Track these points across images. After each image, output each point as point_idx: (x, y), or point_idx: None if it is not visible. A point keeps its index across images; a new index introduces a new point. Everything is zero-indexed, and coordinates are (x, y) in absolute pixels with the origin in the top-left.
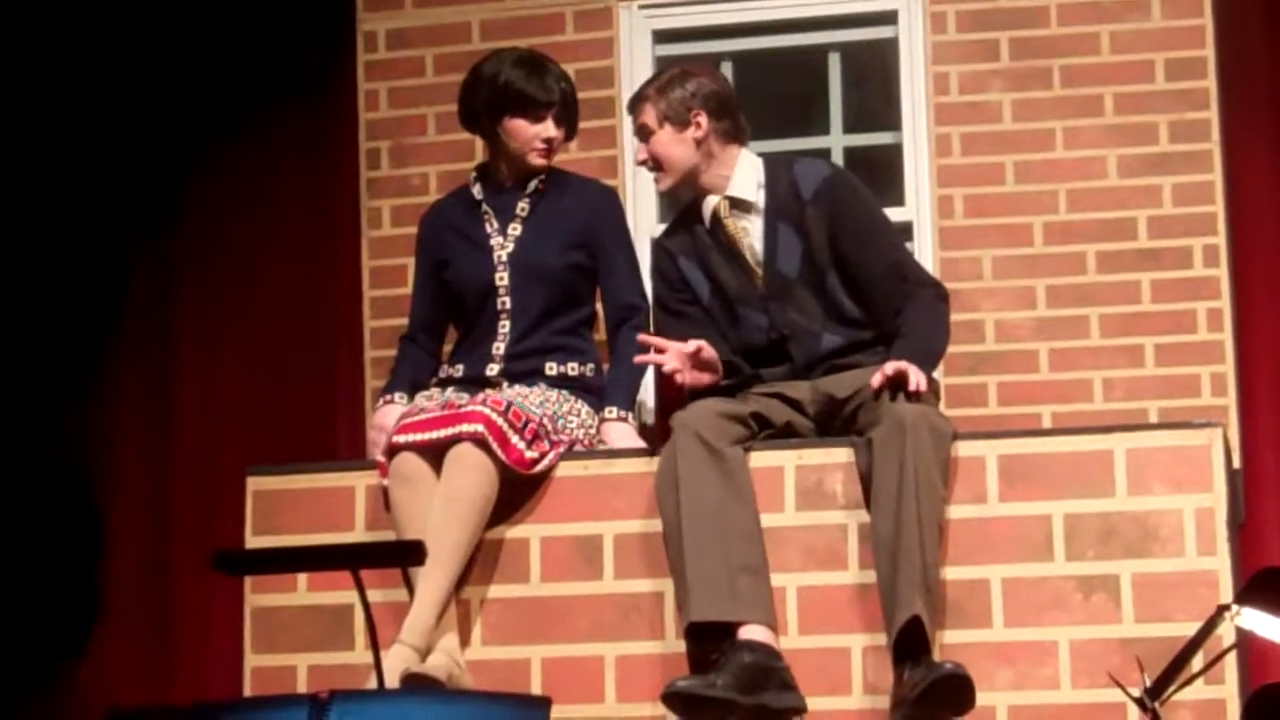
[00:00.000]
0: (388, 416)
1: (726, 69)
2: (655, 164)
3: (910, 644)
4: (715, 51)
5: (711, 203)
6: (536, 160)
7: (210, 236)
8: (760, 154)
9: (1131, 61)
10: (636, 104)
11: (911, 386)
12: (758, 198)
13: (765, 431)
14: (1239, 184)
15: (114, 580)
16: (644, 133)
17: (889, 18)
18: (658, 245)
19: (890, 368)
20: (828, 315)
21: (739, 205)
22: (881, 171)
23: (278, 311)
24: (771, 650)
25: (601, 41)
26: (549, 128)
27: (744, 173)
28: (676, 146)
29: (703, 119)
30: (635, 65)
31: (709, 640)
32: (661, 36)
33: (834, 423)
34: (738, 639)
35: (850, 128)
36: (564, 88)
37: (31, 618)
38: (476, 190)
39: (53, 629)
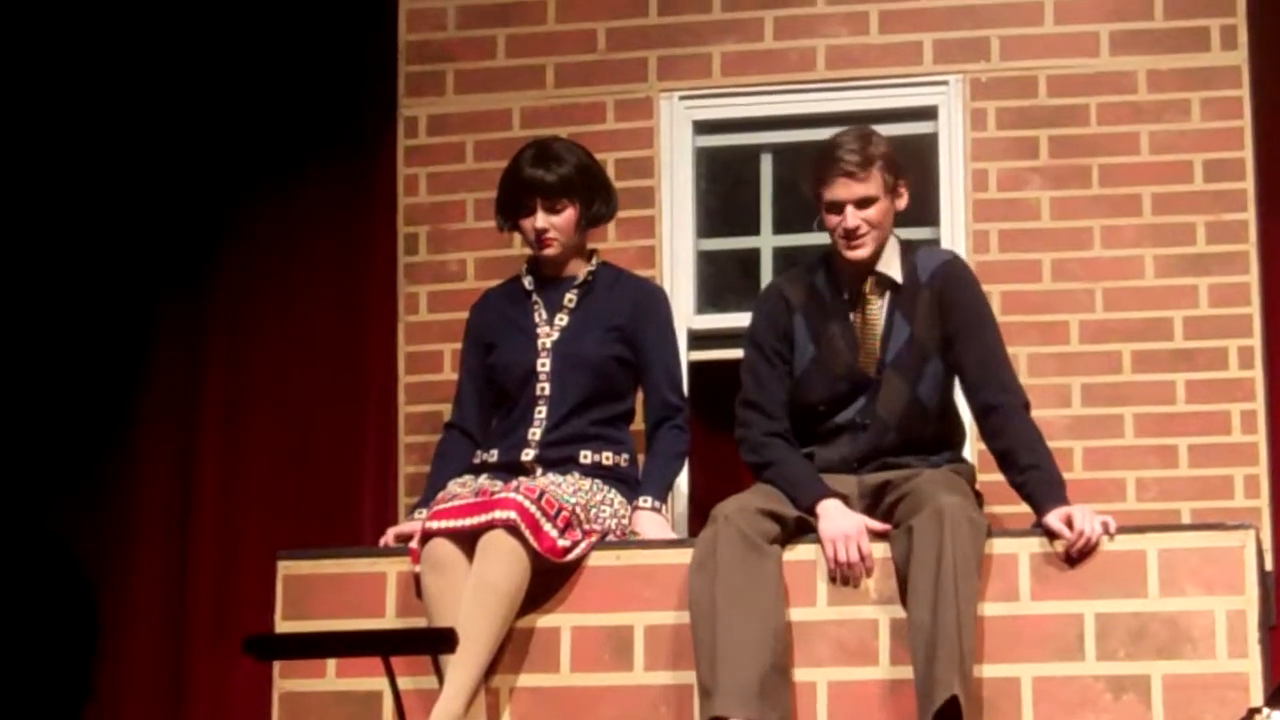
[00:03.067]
0: (410, 528)
1: (767, 161)
2: (866, 233)
3: None
4: (756, 144)
5: (860, 276)
6: (543, 252)
7: (241, 314)
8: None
9: (1170, 162)
10: (863, 169)
11: (1096, 537)
12: (899, 277)
13: (808, 535)
14: (1275, 286)
15: (132, 661)
16: (866, 202)
17: (929, 113)
18: (776, 291)
19: (1080, 525)
20: (910, 406)
21: (884, 283)
22: None
23: (307, 393)
24: None
25: (642, 131)
26: (538, 219)
27: (890, 252)
28: (889, 218)
29: (905, 191)
30: (675, 156)
31: None
32: (702, 127)
33: (874, 513)
34: None
35: None
36: (541, 175)
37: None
38: (527, 281)
39: (40, 711)
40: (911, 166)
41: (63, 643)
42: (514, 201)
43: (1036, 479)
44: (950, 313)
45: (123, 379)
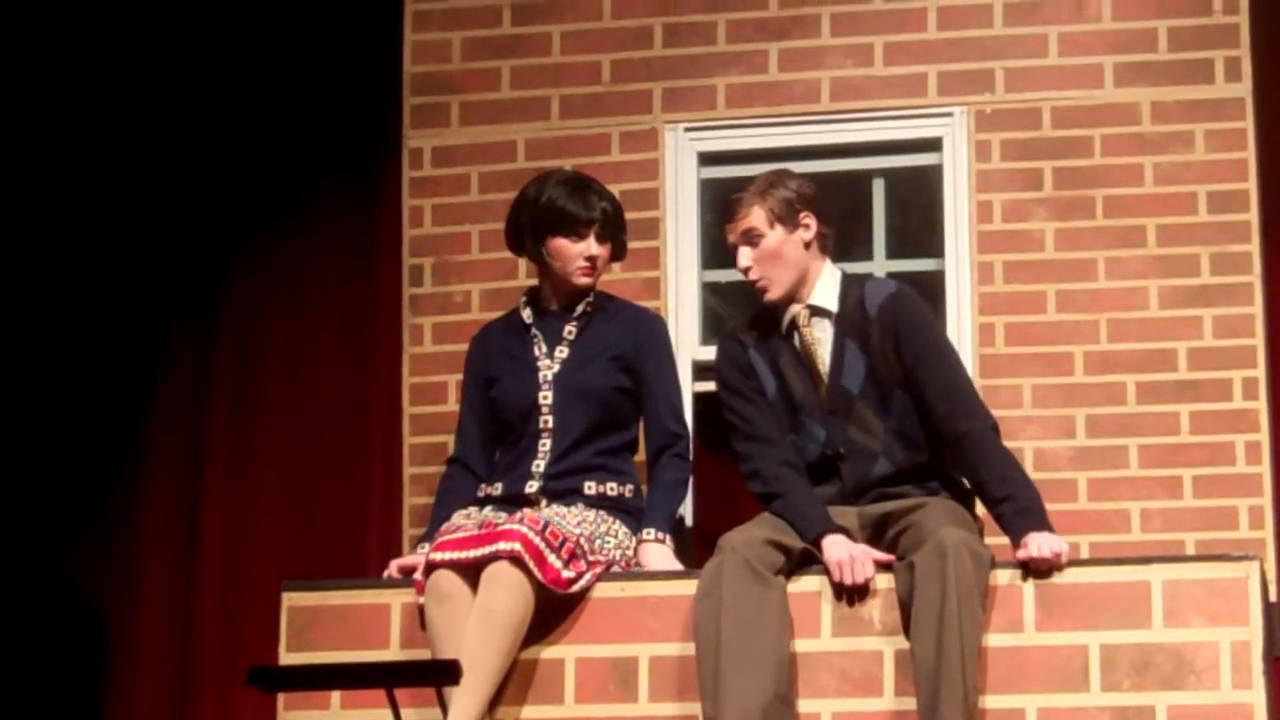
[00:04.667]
0: (414, 561)
1: None
2: (763, 271)
3: None
4: (754, 175)
5: (793, 310)
6: (581, 279)
7: (245, 347)
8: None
9: (1174, 193)
10: (738, 207)
11: (1053, 560)
12: (835, 307)
13: (813, 566)
14: (1279, 317)
15: (138, 692)
16: (751, 236)
17: (934, 145)
18: (729, 336)
19: (1035, 550)
20: (890, 435)
21: (818, 313)
22: (924, 298)
23: (313, 425)
24: None
25: (647, 163)
26: (591, 245)
27: (826, 283)
28: (787, 248)
29: (811, 220)
30: (680, 187)
31: None
32: (707, 159)
33: (877, 546)
34: None
35: (893, 253)
36: (605, 206)
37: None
38: (526, 314)
39: None
40: (916, 197)
41: (70, 672)
42: (561, 222)
43: (1011, 511)
44: (904, 344)
45: (128, 412)
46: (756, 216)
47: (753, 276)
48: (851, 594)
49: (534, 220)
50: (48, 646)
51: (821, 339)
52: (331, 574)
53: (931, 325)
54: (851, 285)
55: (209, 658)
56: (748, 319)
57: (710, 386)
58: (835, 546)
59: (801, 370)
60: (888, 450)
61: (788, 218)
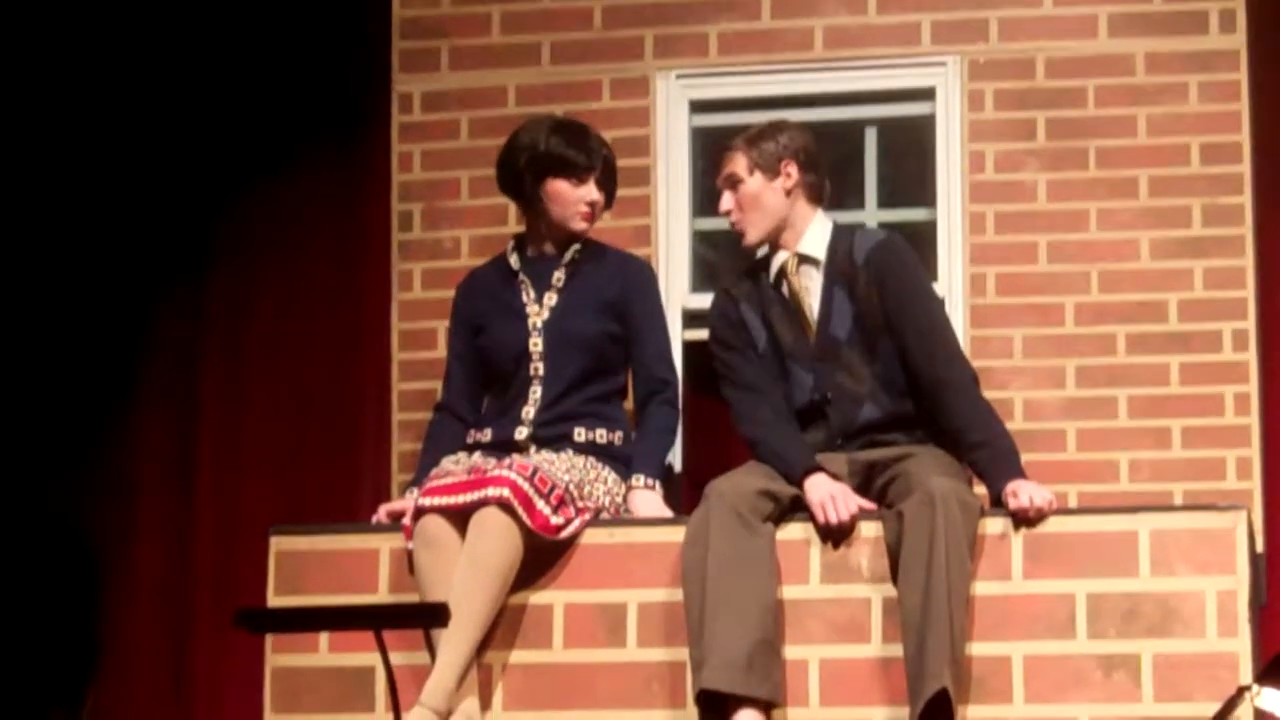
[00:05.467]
0: (403, 506)
1: None
2: (741, 215)
3: (935, 716)
4: (751, 124)
5: (780, 258)
6: (579, 224)
7: (238, 292)
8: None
9: (1167, 145)
10: (725, 153)
11: (1045, 509)
12: (824, 257)
13: (801, 513)
14: (1270, 269)
15: (132, 636)
16: (732, 181)
17: (926, 94)
18: (722, 291)
19: (1026, 500)
20: (877, 382)
21: (806, 262)
22: (915, 248)
23: (304, 370)
24: None
25: (638, 110)
26: (591, 191)
27: (816, 232)
28: (765, 195)
29: (793, 170)
30: (671, 135)
31: (719, 706)
32: (698, 107)
33: (866, 495)
34: None
35: (884, 203)
36: (606, 154)
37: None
38: (513, 260)
39: (48, 677)
40: (908, 147)
41: (68, 617)
42: (563, 166)
43: (987, 456)
44: (888, 291)
45: (121, 357)
46: (738, 162)
47: (732, 219)
48: (837, 536)
49: (532, 163)
50: (45, 589)
51: (810, 287)
52: (326, 518)
53: (916, 273)
54: (842, 235)
55: (203, 603)
56: (740, 271)
57: (700, 334)
58: (817, 486)
59: (791, 318)
60: (874, 396)
61: (769, 166)
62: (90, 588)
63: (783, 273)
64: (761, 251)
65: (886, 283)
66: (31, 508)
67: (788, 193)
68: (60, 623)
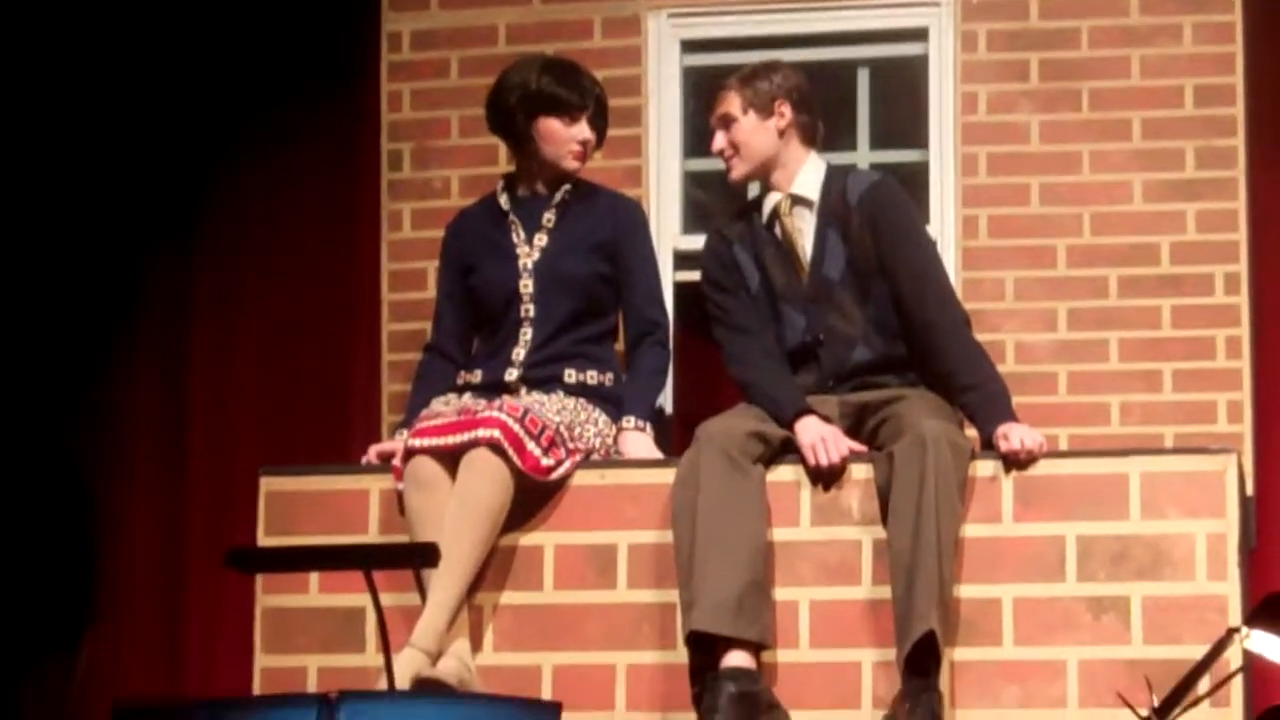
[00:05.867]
0: (393, 447)
1: None
2: (733, 153)
3: (921, 658)
4: (742, 63)
5: (774, 199)
6: (570, 163)
7: (228, 234)
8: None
9: (1160, 87)
10: (719, 92)
11: (1036, 451)
12: (817, 198)
13: (791, 455)
14: (1262, 212)
15: (125, 577)
16: (725, 120)
17: (920, 35)
18: (714, 232)
19: (1017, 442)
20: (869, 324)
21: (799, 203)
22: (907, 190)
23: (295, 311)
24: (752, 674)
25: (629, 49)
26: (584, 129)
27: (809, 174)
28: (758, 135)
29: (786, 110)
30: (662, 74)
31: (709, 647)
32: (689, 46)
33: (857, 438)
34: (721, 668)
35: (877, 144)
36: (598, 93)
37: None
38: (503, 200)
39: (46, 620)
40: (901, 88)
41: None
42: (556, 104)
43: (978, 399)
44: (881, 232)
45: (116, 296)
46: (732, 102)
47: (725, 156)
48: (827, 478)
49: (524, 101)
50: (40, 531)
51: (803, 228)
52: (317, 459)
53: (910, 215)
54: (835, 177)
55: (195, 540)
56: (732, 212)
57: (691, 275)
58: (808, 429)
59: (784, 260)
60: (866, 338)
61: (762, 106)
62: (87, 532)
63: (776, 214)
64: (753, 191)
65: (879, 224)
66: (29, 451)
67: (781, 133)
68: (58, 567)
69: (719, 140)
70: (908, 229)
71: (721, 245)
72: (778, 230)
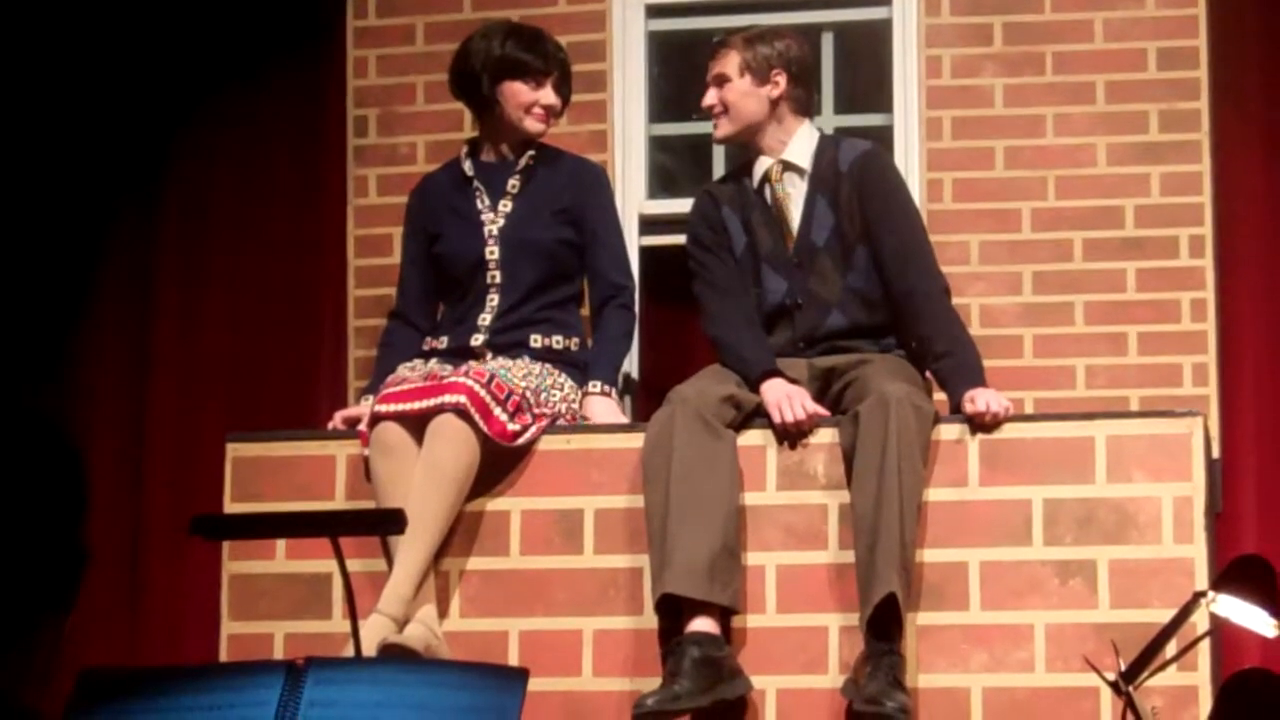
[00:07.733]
0: (358, 412)
1: None
2: (722, 109)
3: (884, 621)
4: (708, 28)
5: (765, 164)
6: (534, 126)
7: (193, 199)
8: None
9: (1124, 50)
10: (719, 49)
11: (1002, 415)
12: (809, 165)
13: (761, 419)
14: (1227, 175)
15: (89, 546)
16: (720, 80)
17: None
18: (704, 191)
19: (983, 405)
20: (847, 291)
21: (790, 169)
22: None
23: (260, 276)
24: (716, 639)
25: (594, 15)
26: (549, 94)
27: (801, 142)
28: (750, 99)
29: (782, 79)
30: (628, 40)
31: (679, 612)
32: (654, 11)
33: (823, 401)
34: (686, 632)
35: (841, 109)
36: (562, 58)
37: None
38: (467, 166)
39: (37, 580)
40: (865, 52)
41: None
42: (520, 68)
43: (951, 365)
44: (868, 201)
45: (79, 263)
46: (731, 61)
47: (714, 112)
48: (794, 438)
49: (488, 64)
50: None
51: (793, 194)
52: (282, 424)
53: (898, 185)
54: (827, 144)
55: (159, 511)
56: (725, 175)
57: (657, 240)
58: (774, 388)
59: (771, 224)
60: (843, 305)
61: (759, 71)
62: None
63: (766, 179)
64: (718, 158)
65: (867, 192)
66: (11, 408)
67: (773, 102)
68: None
69: (710, 96)
70: (895, 200)
71: (710, 205)
72: (767, 195)
